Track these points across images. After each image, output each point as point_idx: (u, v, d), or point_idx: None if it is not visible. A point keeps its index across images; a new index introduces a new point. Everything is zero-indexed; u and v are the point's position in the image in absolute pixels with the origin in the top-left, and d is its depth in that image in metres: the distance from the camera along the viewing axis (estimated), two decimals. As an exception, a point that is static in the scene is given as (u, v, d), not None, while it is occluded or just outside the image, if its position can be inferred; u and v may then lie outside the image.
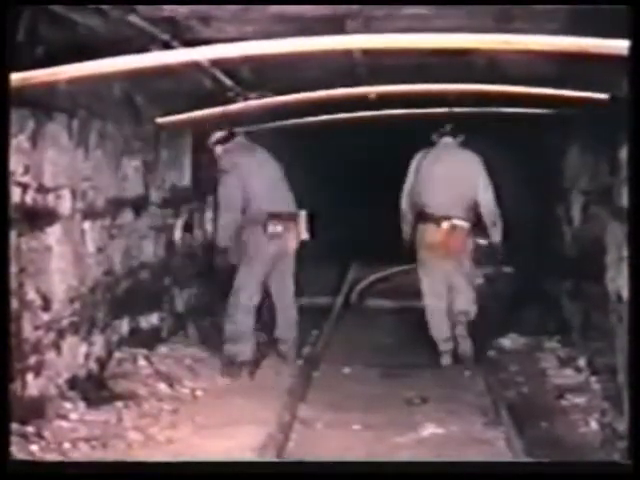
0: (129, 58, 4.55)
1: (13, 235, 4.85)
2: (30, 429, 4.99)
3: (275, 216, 6.88)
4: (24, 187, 5.05)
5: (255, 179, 6.90)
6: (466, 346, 7.23)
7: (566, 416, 5.82)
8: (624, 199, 5.42)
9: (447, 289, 7.30)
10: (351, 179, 14.08)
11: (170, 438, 5.34)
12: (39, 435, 5.00)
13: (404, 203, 7.53)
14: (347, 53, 5.63)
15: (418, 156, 7.50)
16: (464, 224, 7.18)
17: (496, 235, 7.23)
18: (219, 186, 6.95)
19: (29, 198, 5.13)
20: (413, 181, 7.45)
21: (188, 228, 8.32)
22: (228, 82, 6.72)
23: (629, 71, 3.77)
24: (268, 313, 7.43)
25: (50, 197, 5.42)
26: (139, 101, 6.80)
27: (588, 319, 7.10)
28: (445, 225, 7.15)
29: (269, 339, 7.38)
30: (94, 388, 5.94)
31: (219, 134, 7.13)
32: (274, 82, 6.76)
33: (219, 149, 7.13)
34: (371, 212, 14.26)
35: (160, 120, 7.16)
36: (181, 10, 4.78)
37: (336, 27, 4.80)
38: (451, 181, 7.18)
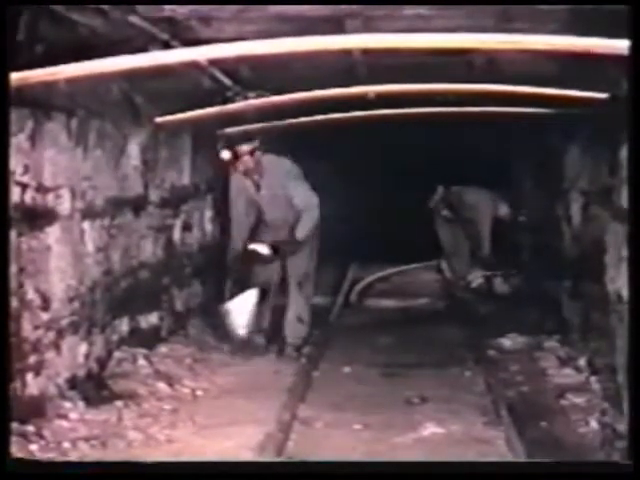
0: (128, 58, 4.54)
1: (13, 235, 4.85)
2: (30, 428, 4.99)
3: None
4: (23, 187, 5.05)
5: None
6: None
7: (566, 416, 5.82)
8: (624, 199, 5.42)
9: None
10: (349, 179, 14.07)
11: (170, 438, 5.34)
12: (39, 434, 5.00)
13: None
14: (347, 53, 5.62)
15: None
16: None
17: None
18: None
19: (28, 198, 5.12)
20: None
21: (187, 228, 8.32)
22: (227, 82, 6.72)
23: (629, 71, 3.76)
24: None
25: (49, 197, 5.42)
26: (138, 101, 6.79)
27: (588, 319, 7.09)
28: None
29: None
30: (94, 388, 5.93)
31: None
32: (273, 82, 6.75)
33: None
34: (370, 212, 14.27)
35: (159, 120, 7.15)
36: (181, 10, 4.78)
37: (336, 27, 4.80)
38: None
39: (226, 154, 7.23)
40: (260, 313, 7.47)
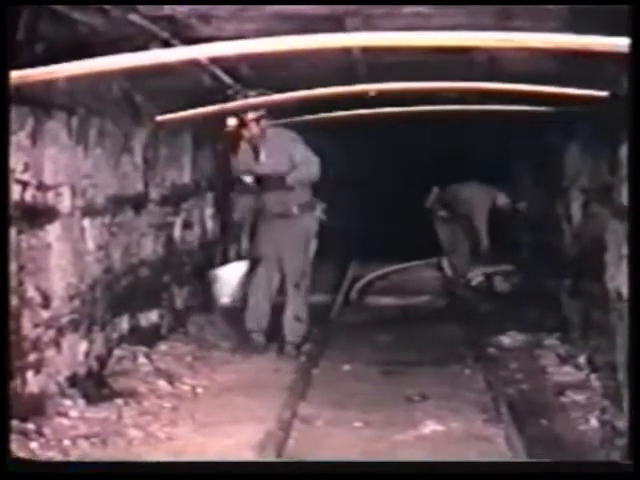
0: (129, 56, 4.53)
1: (13, 233, 4.85)
2: (30, 426, 4.98)
3: None
4: (24, 185, 5.05)
5: None
6: None
7: (566, 413, 5.82)
8: (624, 197, 5.42)
9: None
10: (349, 178, 14.07)
11: (170, 435, 5.34)
12: (39, 432, 4.99)
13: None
14: (347, 51, 5.63)
15: None
16: None
17: None
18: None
19: (29, 196, 5.12)
20: None
21: (188, 225, 8.32)
22: (227, 80, 6.72)
23: (629, 69, 3.76)
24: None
25: (50, 195, 5.42)
26: (138, 99, 6.79)
27: (588, 316, 7.10)
28: None
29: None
30: (94, 386, 5.93)
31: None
32: (273, 80, 6.75)
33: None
34: (371, 210, 14.27)
35: (159, 118, 7.15)
36: (180, 9, 4.78)
37: (336, 25, 4.80)
38: None
39: (232, 121, 7.24)
40: (246, 285, 7.47)
